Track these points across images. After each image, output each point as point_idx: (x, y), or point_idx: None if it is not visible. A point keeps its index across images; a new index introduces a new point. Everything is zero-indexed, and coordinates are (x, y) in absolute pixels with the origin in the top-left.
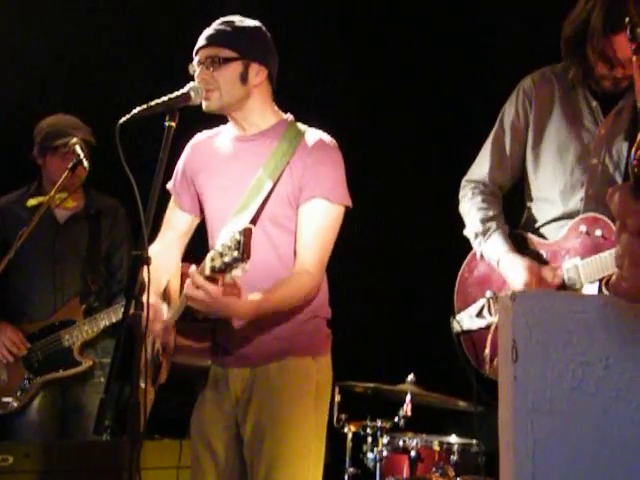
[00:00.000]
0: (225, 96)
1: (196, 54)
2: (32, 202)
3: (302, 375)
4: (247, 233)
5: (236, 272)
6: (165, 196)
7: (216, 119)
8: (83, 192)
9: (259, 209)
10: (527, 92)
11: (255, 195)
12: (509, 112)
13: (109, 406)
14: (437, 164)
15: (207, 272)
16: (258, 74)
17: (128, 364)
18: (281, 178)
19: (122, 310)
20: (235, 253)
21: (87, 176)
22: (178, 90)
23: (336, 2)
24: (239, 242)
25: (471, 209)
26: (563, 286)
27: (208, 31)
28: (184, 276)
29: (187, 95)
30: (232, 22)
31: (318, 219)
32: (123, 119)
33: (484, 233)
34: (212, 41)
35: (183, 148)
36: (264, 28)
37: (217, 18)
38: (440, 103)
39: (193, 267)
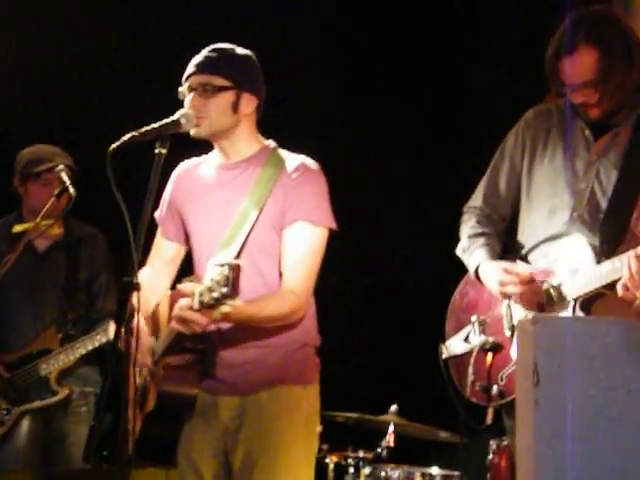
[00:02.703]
0: (215, 124)
1: (186, 80)
2: (18, 228)
3: (293, 404)
4: (236, 269)
5: (224, 308)
6: (155, 223)
7: (205, 145)
8: (62, 220)
9: (246, 238)
10: (528, 122)
11: (242, 224)
12: (510, 141)
13: (99, 433)
14: (426, 192)
15: (196, 306)
16: (249, 104)
17: (116, 391)
18: (265, 205)
19: (98, 338)
20: (224, 289)
21: (72, 204)
22: (168, 117)
23: (326, 18)
24: (228, 278)
25: (464, 229)
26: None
27: (200, 57)
28: (174, 305)
29: (178, 122)
30: (225, 50)
31: (302, 242)
32: (114, 146)
33: (469, 248)
34: (205, 68)
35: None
36: (254, 57)
37: (206, 45)
38: (432, 126)
39: (181, 301)
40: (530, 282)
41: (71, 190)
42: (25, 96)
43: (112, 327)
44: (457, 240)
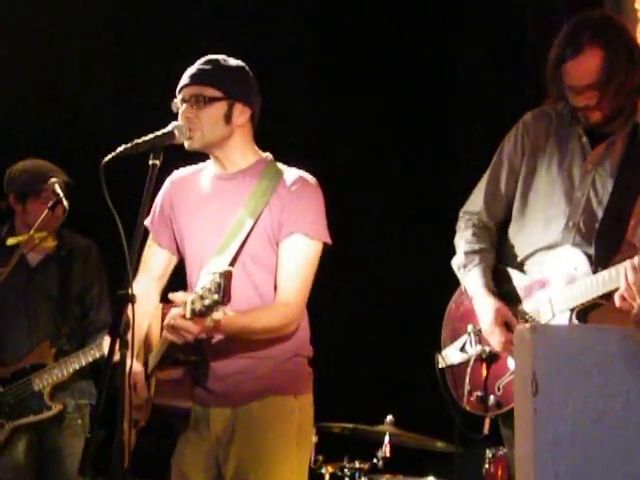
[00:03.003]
0: (208, 135)
1: (179, 92)
2: (12, 241)
3: (284, 414)
4: (227, 276)
5: (217, 315)
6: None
7: (199, 156)
8: (55, 235)
9: (239, 248)
10: (526, 126)
11: (236, 234)
12: (508, 145)
13: (94, 446)
14: (420, 202)
15: (188, 315)
16: (242, 114)
17: (111, 404)
18: (261, 216)
19: (92, 353)
20: (215, 296)
21: (66, 217)
22: (162, 128)
23: (318, 38)
24: (219, 285)
25: (460, 241)
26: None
27: (192, 69)
28: (165, 317)
29: (171, 134)
30: (217, 61)
31: (297, 255)
32: (107, 158)
33: (465, 266)
34: (197, 80)
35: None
36: (247, 68)
37: (200, 57)
38: (434, 128)
39: (173, 310)
40: None
41: (65, 203)
42: (20, 107)
43: (106, 342)
44: (449, 252)
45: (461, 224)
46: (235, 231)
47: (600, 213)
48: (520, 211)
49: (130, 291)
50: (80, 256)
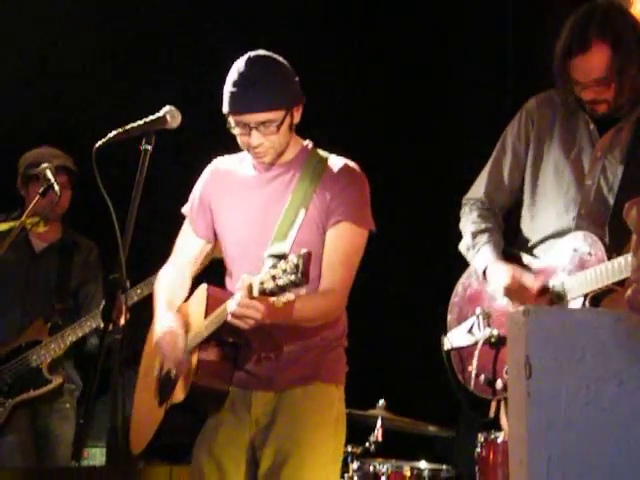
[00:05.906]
0: (279, 149)
1: (237, 114)
2: (3, 227)
3: (326, 402)
4: (306, 258)
5: (289, 296)
6: (140, 220)
7: (195, 142)
8: (62, 226)
9: (296, 235)
10: (529, 113)
11: (290, 222)
12: (511, 132)
13: (87, 431)
14: (424, 187)
15: (255, 294)
16: (298, 114)
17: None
18: (310, 204)
19: (88, 324)
20: (292, 277)
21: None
22: (154, 113)
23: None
24: (297, 266)
25: (466, 224)
26: (547, 294)
27: (250, 92)
28: (210, 299)
29: (163, 118)
30: (268, 76)
31: (344, 242)
32: (99, 143)
33: (474, 246)
34: (262, 108)
35: (160, 171)
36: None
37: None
38: (439, 128)
39: (237, 296)
40: (538, 296)
41: (56, 188)
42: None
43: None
44: (448, 236)
45: (465, 209)
46: (289, 219)
47: (611, 200)
48: (530, 200)
49: (122, 276)
50: (82, 251)
